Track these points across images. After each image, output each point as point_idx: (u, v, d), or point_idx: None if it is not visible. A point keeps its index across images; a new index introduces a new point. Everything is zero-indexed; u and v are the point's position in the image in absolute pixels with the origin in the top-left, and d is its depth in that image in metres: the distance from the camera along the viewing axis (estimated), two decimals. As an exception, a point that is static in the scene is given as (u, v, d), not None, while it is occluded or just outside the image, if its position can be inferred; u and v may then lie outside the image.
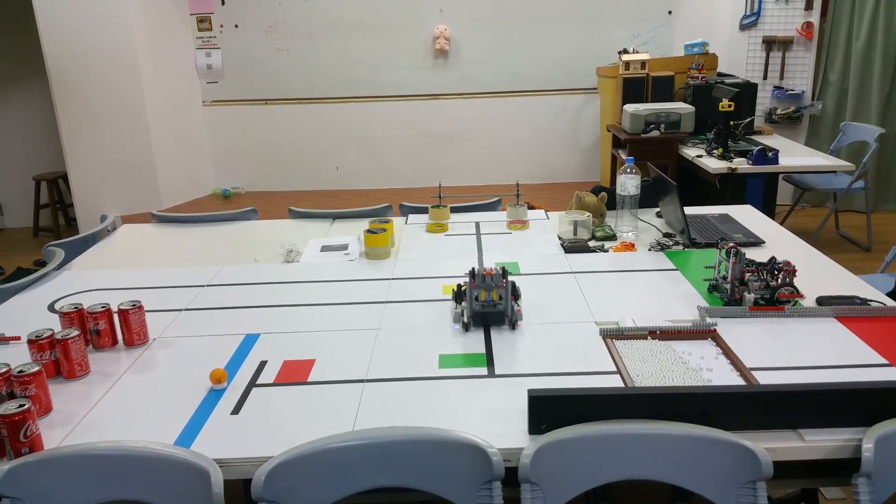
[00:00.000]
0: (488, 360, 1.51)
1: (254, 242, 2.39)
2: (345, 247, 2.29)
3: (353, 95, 5.87)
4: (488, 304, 1.64)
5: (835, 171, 4.06)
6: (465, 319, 1.66)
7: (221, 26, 5.68)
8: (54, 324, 1.61)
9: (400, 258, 2.18)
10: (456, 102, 5.90)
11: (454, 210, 2.61)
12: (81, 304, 1.62)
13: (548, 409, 1.21)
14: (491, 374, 1.45)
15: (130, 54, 5.13)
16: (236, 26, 5.69)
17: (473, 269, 1.67)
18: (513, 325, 1.66)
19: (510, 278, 1.67)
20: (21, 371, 1.32)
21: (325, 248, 2.29)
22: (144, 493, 1.19)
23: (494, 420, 1.28)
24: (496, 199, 2.74)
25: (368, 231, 2.18)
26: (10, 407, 1.21)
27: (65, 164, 5.20)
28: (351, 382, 1.43)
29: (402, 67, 5.81)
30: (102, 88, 5.12)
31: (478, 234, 2.39)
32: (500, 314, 1.66)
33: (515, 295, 1.70)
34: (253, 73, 5.81)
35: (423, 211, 2.64)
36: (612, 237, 2.25)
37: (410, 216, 2.64)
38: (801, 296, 1.69)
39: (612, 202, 2.37)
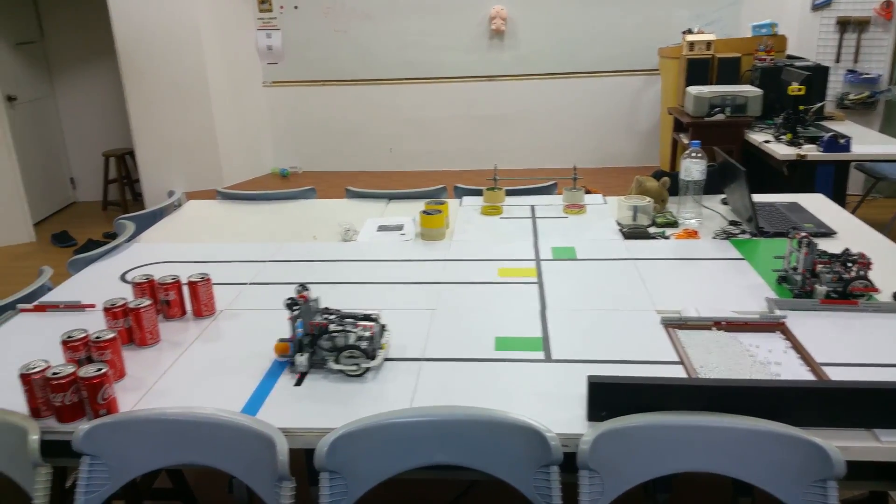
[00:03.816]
0: (545, 344, 1.50)
1: (313, 221, 2.43)
2: (400, 227, 2.30)
3: (408, 77, 5.87)
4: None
5: (912, 161, 3.85)
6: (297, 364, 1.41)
7: (282, 7, 5.75)
8: (126, 293, 1.68)
9: (455, 240, 2.18)
10: (511, 84, 5.83)
11: (509, 193, 2.60)
12: (152, 276, 1.69)
13: (608, 397, 1.20)
14: (547, 358, 1.44)
15: (194, 35, 5.26)
16: (296, 7, 5.75)
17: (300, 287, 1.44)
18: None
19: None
20: (98, 337, 1.38)
21: (381, 228, 2.31)
22: (212, 459, 1.24)
23: (551, 405, 1.27)
24: (552, 182, 2.70)
25: (424, 212, 2.19)
26: (90, 370, 1.27)
27: (132, 141, 5.39)
28: (408, 360, 1.45)
29: (457, 48, 5.77)
30: (168, 68, 5.27)
31: (533, 217, 2.37)
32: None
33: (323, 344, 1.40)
34: (311, 54, 5.87)
35: (478, 193, 2.63)
36: (674, 224, 2.20)
37: (465, 198, 2.63)
38: (877, 290, 1.61)
39: (673, 188, 2.31)
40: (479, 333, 1.55)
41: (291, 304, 1.43)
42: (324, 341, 1.41)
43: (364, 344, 1.39)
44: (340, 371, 1.39)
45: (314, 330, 1.41)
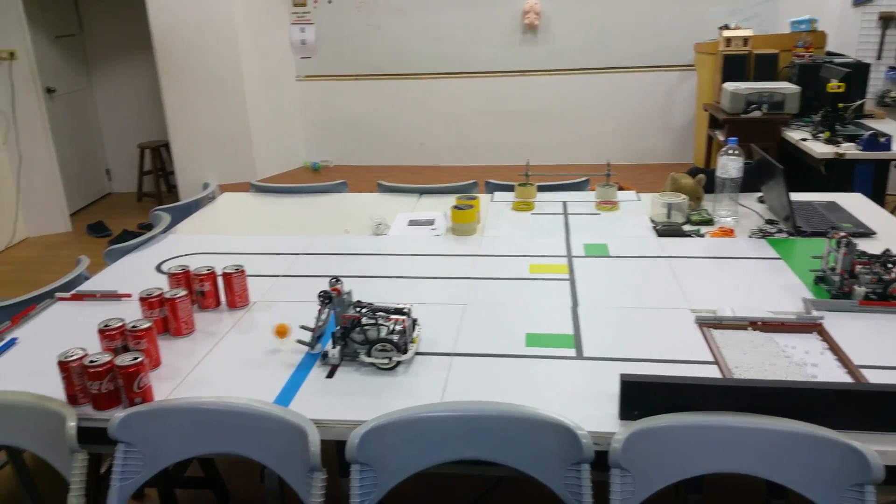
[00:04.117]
0: (577, 341, 1.49)
1: (344, 214, 2.45)
2: (431, 222, 2.31)
3: (440, 72, 5.87)
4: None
5: (957, 160, 3.72)
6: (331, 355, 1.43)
7: (315, 2, 5.79)
8: (162, 283, 1.71)
9: (486, 235, 2.17)
10: (544, 79, 5.79)
11: (541, 189, 2.58)
12: (188, 266, 1.71)
13: (641, 396, 1.19)
14: (579, 355, 1.43)
15: (229, 29, 5.32)
16: (329, 2, 5.78)
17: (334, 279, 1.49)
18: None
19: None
20: (134, 326, 1.40)
21: (412, 223, 2.31)
22: (245, 449, 1.26)
23: (582, 402, 1.26)
24: (584, 178, 2.68)
25: (455, 207, 2.19)
26: (126, 359, 1.29)
27: (167, 133, 5.48)
28: (439, 355, 1.45)
29: (490, 43, 5.75)
30: (203, 62, 5.35)
31: (565, 213, 2.35)
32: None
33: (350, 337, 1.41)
34: (344, 48, 5.90)
35: (509, 189, 2.62)
36: (710, 222, 2.16)
37: (496, 194, 2.63)
38: (920, 292, 1.57)
39: (708, 185, 2.27)
40: (510, 329, 1.55)
41: (325, 298, 1.44)
42: (356, 334, 1.42)
43: (396, 337, 1.40)
44: (372, 364, 1.40)
45: (347, 323, 1.42)
